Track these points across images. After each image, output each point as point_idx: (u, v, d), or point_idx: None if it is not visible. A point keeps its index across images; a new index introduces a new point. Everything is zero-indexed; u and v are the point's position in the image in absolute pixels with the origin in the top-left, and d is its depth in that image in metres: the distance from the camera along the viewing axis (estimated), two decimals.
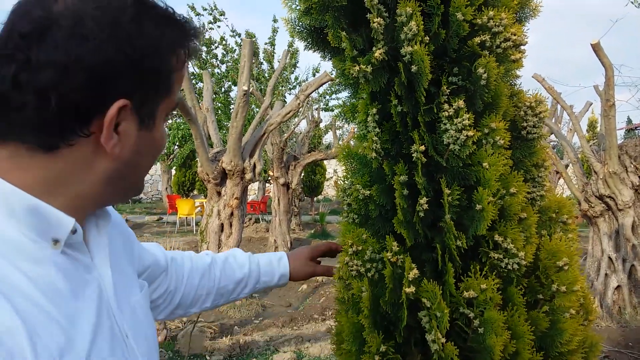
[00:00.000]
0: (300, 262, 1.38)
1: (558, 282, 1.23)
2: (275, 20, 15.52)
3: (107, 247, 0.74)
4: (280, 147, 10.46)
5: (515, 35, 1.24)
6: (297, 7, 1.35)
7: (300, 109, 7.45)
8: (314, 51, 1.39)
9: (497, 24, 1.22)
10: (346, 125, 17.57)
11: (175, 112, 14.11)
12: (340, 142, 14.67)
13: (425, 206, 1.22)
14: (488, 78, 1.19)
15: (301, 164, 11.20)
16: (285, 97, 14.29)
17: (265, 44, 15.31)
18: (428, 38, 1.19)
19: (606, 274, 6.24)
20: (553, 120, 11.21)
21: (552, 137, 11.80)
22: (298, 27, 1.35)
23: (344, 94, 1.36)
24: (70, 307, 0.62)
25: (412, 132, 1.23)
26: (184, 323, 5.80)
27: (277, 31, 15.27)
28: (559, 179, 11.63)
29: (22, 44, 0.58)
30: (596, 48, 5.12)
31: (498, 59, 1.23)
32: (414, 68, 1.17)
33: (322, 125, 13.65)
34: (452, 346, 1.16)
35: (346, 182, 1.37)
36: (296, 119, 11.57)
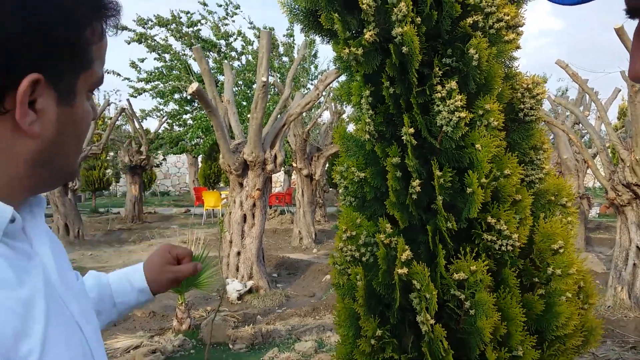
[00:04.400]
0: (155, 268, 1.13)
1: (553, 265, 1.22)
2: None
3: (45, 233, 0.73)
4: (303, 138, 10.47)
5: (508, 15, 1.22)
6: None
7: (321, 99, 7.45)
8: (311, 34, 1.40)
9: (489, 4, 1.21)
10: None
11: (197, 104, 14.27)
12: None
13: (418, 188, 1.22)
14: (479, 59, 1.18)
15: (324, 155, 11.20)
16: (305, 87, 14.28)
17: (284, 35, 15.36)
18: (420, 19, 1.19)
19: (634, 264, 6.09)
20: (581, 108, 10.96)
21: (581, 125, 11.52)
22: (294, 10, 1.36)
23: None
24: (20, 294, 0.61)
25: (404, 114, 1.23)
26: (207, 312, 5.88)
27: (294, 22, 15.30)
28: (587, 167, 11.37)
29: None
30: (620, 32, 4.97)
31: (491, 39, 1.22)
32: (404, 49, 1.17)
33: (345, 115, 13.59)
34: (441, 328, 1.16)
35: (343, 165, 1.38)
36: (318, 110, 11.57)
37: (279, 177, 22.19)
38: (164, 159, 18.47)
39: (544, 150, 1.36)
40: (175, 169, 26.52)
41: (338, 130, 1.35)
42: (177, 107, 14.90)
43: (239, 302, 6.52)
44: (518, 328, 1.17)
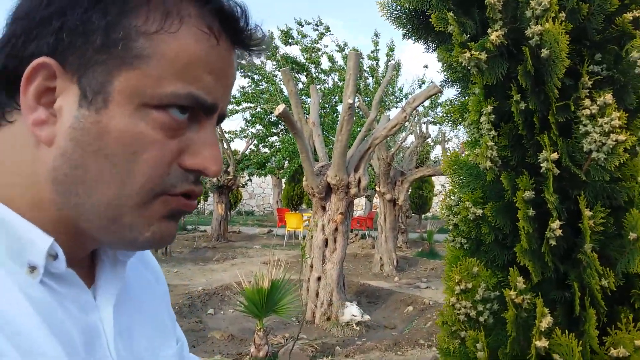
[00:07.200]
0: None
1: None
2: (376, 35, 15.72)
3: (118, 285, 0.58)
4: (387, 162, 10.21)
5: None
6: None
7: (407, 122, 7.20)
8: (415, 40, 1.17)
9: None
10: (456, 140, 17.07)
11: (282, 126, 14.42)
12: None
13: (559, 232, 0.94)
14: None
15: (408, 179, 10.86)
16: (389, 110, 14.11)
17: (368, 57, 15.38)
18: (564, 15, 0.93)
19: None
20: None
21: None
22: (395, 12, 1.14)
23: (451, 93, 1.11)
24: (38, 353, 0.46)
25: (539, 136, 0.96)
26: (286, 339, 5.73)
27: (378, 44, 15.59)
28: None
29: None
30: None
31: None
32: (544, 52, 0.90)
33: (429, 139, 13.23)
34: None
35: (452, 197, 1.12)
36: (403, 134, 11.28)
37: (360, 201, 22.03)
38: (250, 180, 18.93)
39: None
40: (260, 190, 27.06)
41: (450, 156, 1.10)
42: (263, 129, 15.17)
43: (317, 329, 6.31)
44: None
